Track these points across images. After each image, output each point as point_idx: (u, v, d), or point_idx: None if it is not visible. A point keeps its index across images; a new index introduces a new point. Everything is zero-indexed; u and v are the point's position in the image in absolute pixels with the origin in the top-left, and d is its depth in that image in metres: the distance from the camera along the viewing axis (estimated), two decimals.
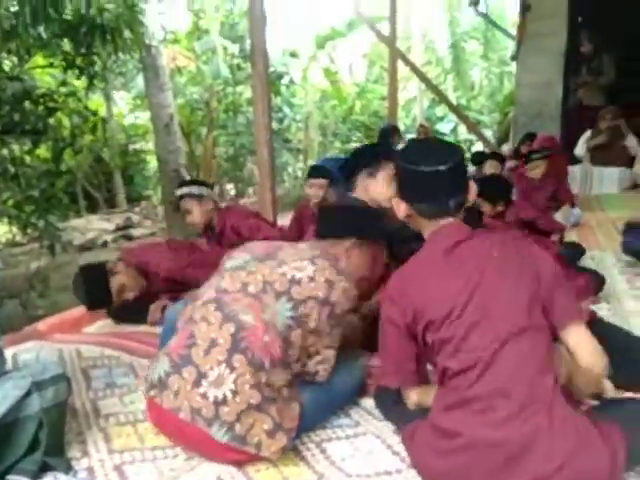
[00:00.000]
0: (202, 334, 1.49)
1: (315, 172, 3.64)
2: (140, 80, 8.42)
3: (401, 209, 1.46)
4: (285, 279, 1.54)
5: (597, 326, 1.94)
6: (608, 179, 6.04)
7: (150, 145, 11.04)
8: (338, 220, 1.90)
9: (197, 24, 10.08)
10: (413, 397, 1.49)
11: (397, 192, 1.47)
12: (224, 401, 1.40)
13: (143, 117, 11.43)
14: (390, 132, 6.21)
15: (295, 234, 3.63)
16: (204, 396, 1.41)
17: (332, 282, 1.55)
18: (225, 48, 9.37)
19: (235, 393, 1.40)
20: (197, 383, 1.43)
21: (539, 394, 1.23)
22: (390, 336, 1.43)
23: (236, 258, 1.68)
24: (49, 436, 1.41)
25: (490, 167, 4.90)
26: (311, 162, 13.44)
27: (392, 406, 1.60)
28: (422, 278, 1.38)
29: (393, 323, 1.40)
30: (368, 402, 1.77)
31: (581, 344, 1.30)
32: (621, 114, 5.96)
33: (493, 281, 1.32)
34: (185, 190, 3.02)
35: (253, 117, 4.29)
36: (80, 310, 2.83)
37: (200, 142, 11.37)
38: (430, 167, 1.36)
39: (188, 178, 6.83)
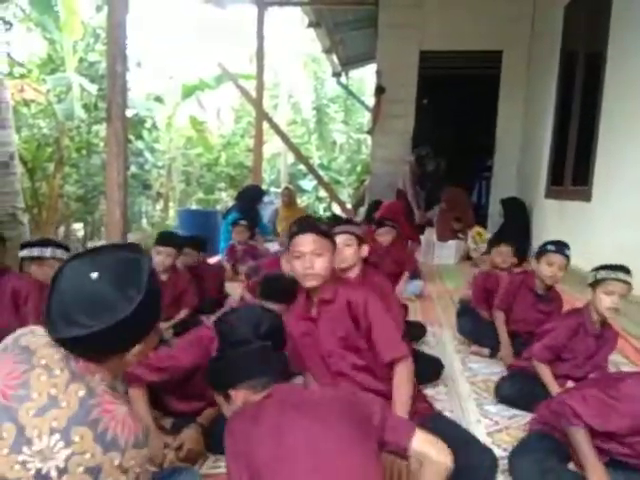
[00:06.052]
0: None
1: (165, 239, 3.50)
2: None
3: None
4: (29, 475, 1.04)
5: (434, 422, 2.08)
6: (447, 250, 6.74)
7: None
8: None
9: (51, 56, 9.35)
10: None
11: None
12: None
13: None
14: (256, 194, 6.40)
15: None
16: None
17: (97, 469, 1.05)
18: (82, 86, 8.78)
19: None
20: None
21: None
22: None
23: None
24: None
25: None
26: (172, 208, 13.00)
27: None
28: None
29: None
30: None
31: (426, 449, 1.34)
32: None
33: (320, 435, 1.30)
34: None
35: (106, 158, 4.05)
36: None
37: (46, 179, 10.38)
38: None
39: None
